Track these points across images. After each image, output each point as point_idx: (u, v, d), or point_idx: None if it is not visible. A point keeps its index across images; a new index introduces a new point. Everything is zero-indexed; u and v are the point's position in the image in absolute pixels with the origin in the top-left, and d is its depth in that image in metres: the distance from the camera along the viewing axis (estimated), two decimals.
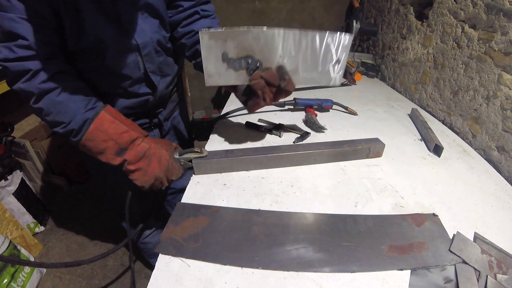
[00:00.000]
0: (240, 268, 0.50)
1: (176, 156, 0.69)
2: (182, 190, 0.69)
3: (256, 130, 0.95)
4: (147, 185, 0.65)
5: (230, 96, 1.28)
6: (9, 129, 1.74)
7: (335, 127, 1.00)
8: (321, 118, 1.05)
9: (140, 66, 0.71)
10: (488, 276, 0.49)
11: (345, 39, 0.69)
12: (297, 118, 1.05)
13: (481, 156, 0.89)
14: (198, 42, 0.68)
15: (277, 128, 0.94)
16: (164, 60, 0.77)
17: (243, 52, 0.65)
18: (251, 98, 0.71)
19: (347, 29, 1.57)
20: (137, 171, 0.63)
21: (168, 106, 0.92)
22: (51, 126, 0.61)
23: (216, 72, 0.67)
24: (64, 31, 0.60)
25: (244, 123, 0.99)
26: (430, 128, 0.95)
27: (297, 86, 0.71)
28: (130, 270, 1.44)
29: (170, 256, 0.52)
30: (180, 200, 0.66)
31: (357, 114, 1.10)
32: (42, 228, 1.67)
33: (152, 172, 0.64)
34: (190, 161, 0.71)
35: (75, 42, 0.62)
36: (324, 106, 1.10)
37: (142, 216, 1.01)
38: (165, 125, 0.94)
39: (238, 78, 0.68)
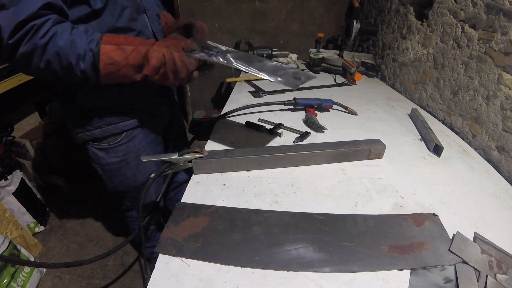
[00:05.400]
0: (240, 268, 0.50)
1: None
2: (185, 182, 0.70)
3: (256, 130, 0.95)
4: (176, 83, 0.71)
5: (230, 96, 1.28)
6: (9, 129, 1.74)
7: (335, 127, 1.00)
8: (321, 118, 1.05)
9: (148, 26, 0.81)
10: (488, 276, 0.49)
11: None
12: (297, 118, 1.05)
13: (481, 156, 0.89)
14: None
15: (277, 128, 0.94)
16: (161, 28, 0.88)
17: None
18: None
19: (347, 29, 1.57)
20: (162, 77, 0.67)
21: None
22: (65, 75, 0.61)
23: None
24: None
25: (244, 123, 0.99)
26: (430, 128, 0.95)
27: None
28: (130, 269, 1.44)
29: (170, 256, 0.52)
30: (181, 199, 0.66)
31: (357, 114, 1.10)
32: (42, 228, 1.67)
33: (174, 73, 0.68)
34: (190, 161, 0.71)
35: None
36: (324, 106, 1.10)
37: (153, 206, 1.00)
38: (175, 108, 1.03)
39: None
